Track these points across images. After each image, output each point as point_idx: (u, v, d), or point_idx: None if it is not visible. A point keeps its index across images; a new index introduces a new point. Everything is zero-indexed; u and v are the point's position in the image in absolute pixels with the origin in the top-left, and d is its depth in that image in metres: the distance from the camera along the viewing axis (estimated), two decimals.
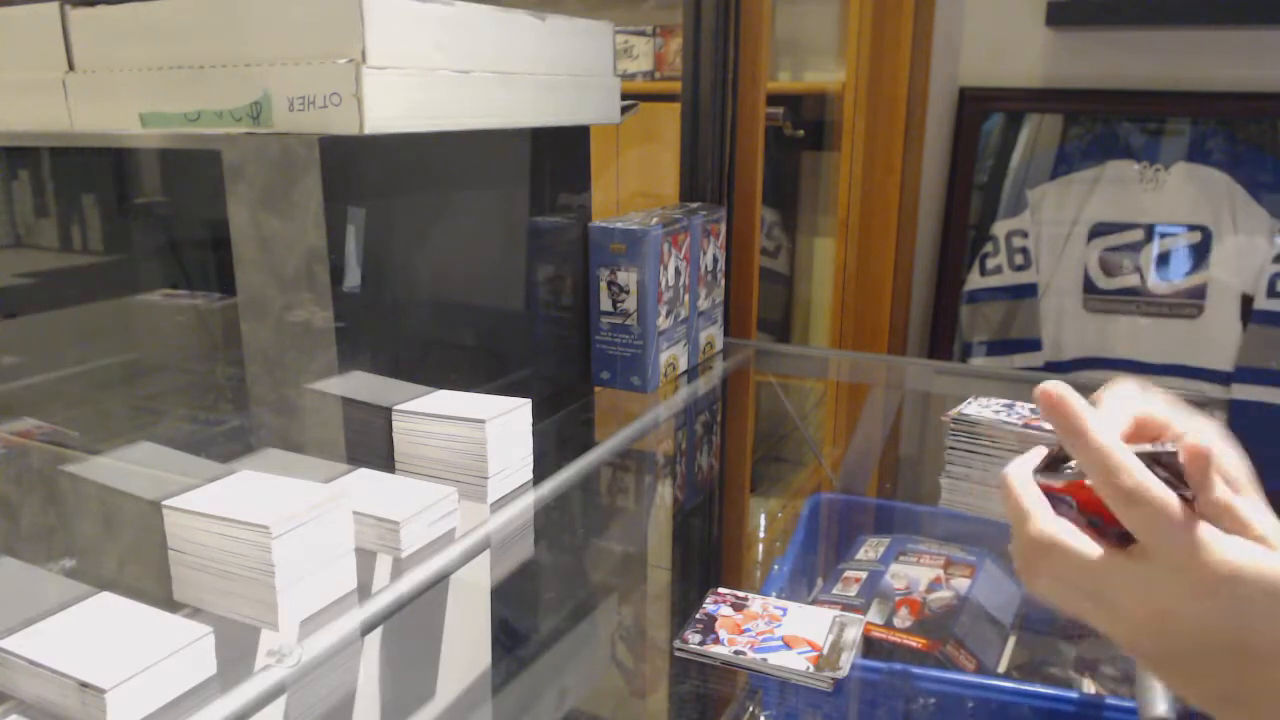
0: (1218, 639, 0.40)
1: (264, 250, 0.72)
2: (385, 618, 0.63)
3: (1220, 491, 0.41)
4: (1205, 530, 0.40)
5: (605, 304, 1.06)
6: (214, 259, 0.80)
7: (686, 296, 1.14)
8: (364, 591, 0.64)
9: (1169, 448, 0.42)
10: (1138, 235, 1.73)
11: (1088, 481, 0.43)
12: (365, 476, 0.73)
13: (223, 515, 0.58)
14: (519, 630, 0.75)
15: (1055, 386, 0.43)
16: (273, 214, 0.71)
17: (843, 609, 0.76)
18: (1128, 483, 0.40)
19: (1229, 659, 0.40)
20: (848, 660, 0.66)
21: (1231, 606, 0.39)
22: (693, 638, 0.69)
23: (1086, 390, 0.44)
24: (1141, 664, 0.44)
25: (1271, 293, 1.64)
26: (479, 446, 0.75)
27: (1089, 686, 0.81)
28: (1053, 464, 0.46)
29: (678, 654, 0.68)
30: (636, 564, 0.93)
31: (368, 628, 0.62)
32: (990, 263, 1.82)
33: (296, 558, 0.58)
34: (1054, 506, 0.44)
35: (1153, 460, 0.41)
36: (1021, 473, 0.46)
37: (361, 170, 0.74)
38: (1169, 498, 0.40)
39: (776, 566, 0.93)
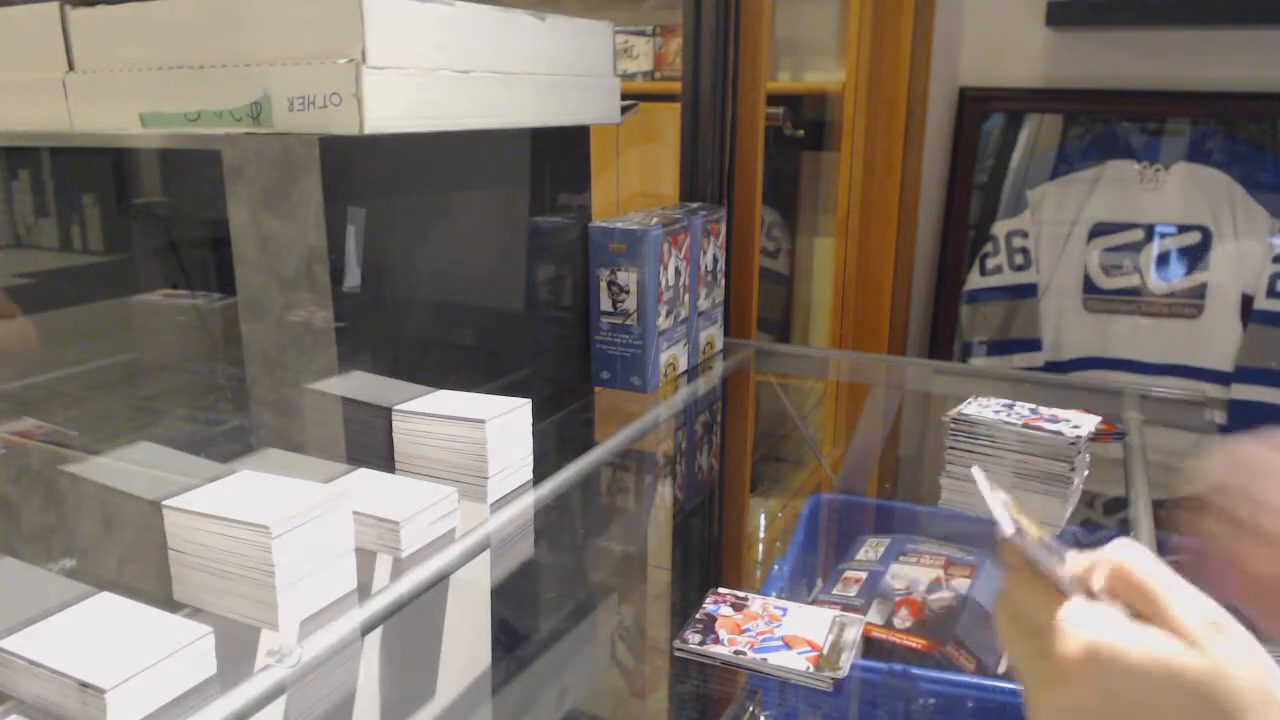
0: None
1: (264, 250, 0.72)
2: (385, 618, 0.63)
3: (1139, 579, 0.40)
4: (1063, 611, 0.40)
5: (605, 304, 1.06)
6: (214, 259, 0.80)
7: (686, 296, 1.14)
8: (364, 591, 0.64)
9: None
10: (1138, 235, 1.73)
11: None
12: (365, 476, 0.73)
13: (223, 515, 0.58)
14: (519, 630, 0.75)
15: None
16: (273, 214, 0.71)
17: (843, 609, 0.76)
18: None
19: None
20: (848, 660, 0.66)
21: (1091, 689, 0.38)
22: (693, 638, 0.69)
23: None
24: None
25: (1271, 293, 1.64)
26: (479, 446, 0.75)
27: None
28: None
29: (678, 654, 0.68)
30: (636, 564, 0.93)
31: (368, 628, 0.62)
32: (990, 263, 1.82)
33: (296, 558, 0.58)
34: None
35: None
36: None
37: (361, 170, 0.74)
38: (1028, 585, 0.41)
39: (776, 566, 0.93)
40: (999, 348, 1.84)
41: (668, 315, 1.09)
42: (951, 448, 0.94)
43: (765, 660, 0.66)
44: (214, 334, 0.82)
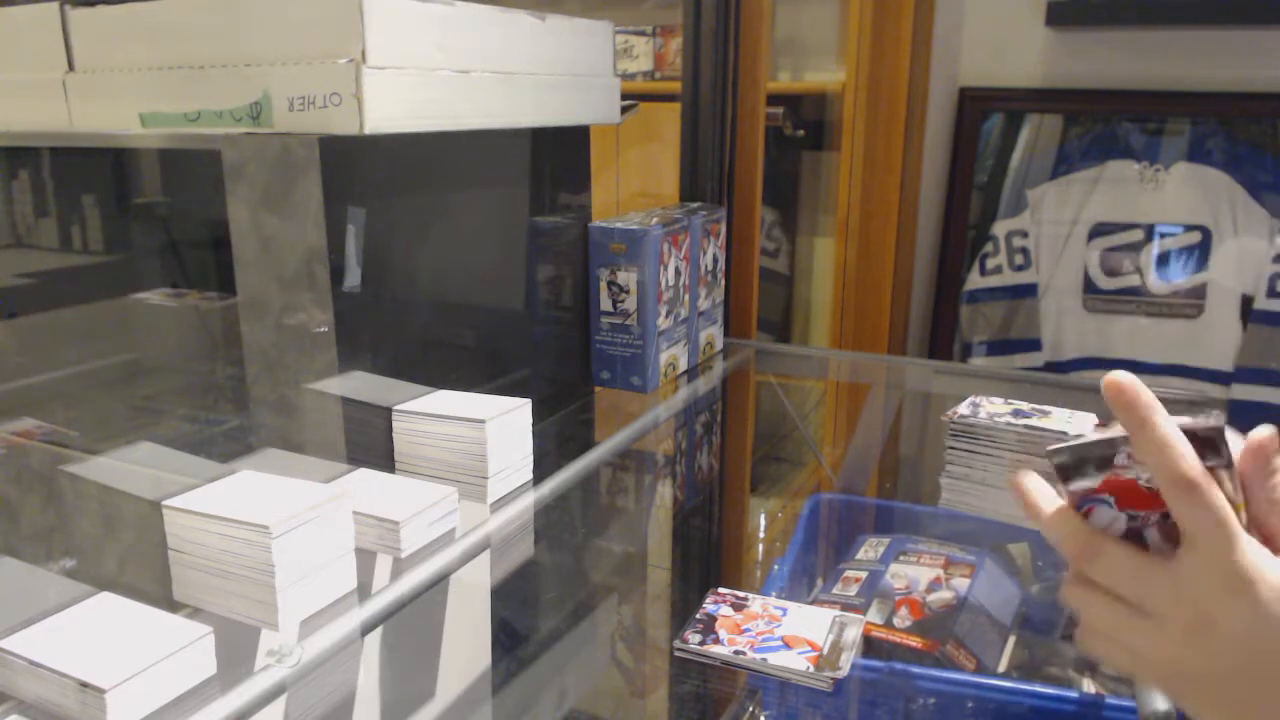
0: (1261, 652, 0.40)
1: (264, 250, 0.72)
2: (385, 618, 0.63)
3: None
4: (1246, 536, 0.41)
5: (605, 304, 1.06)
6: (214, 259, 0.80)
7: (686, 296, 1.14)
8: (364, 591, 0.64)
9: (1211, 423, 0.43)
10: (1138, 235, 1.73)
11: (1121, 474, 0.44)
12: (365, 476, 0.73)
13: (223, 515, 0.58)
14: (519, 630, 0.75)
15: (1123, 376, 0.44)
16: (273, 214, 0.71)
17: (843, 609, 0.76)
18: (1188, 472, 0.41)
19: (1274, 679, 0.40)
20: (848, 660, 0.66)
21: (1268, 611, 0.39)
22: (693, 638, 0.69)
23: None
24: (1189, 706, 0.44)
25: (1271, 293, 1.63)
26: (479, 446, 0.75)
27: (1089, 686, 0.81)
28: (1075, 467, 0.46)
29: (678, 654, 0.68)
30: (636, 564, 0.93)
31: (368, 628, 0.62)
32: (990, 263, 1.82)
33: (296, 558, 0.58)
34: (1094, 508, 0.45)
35: (1191, 435, 0.42)
36: (1045, 492, 0.47)
37: (361, 170, 0.74)
38: (1220, 494, 0.41)
39: (776, 566, 0.93)
40: (999, 348, 1.84)
41: (668, 315, 1.09)
42: (951, 448, 0.94)
43: (765, 660, 0.66)
44: (214, 334, 0.82)
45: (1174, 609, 0.42)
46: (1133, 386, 0.43)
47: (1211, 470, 0.42)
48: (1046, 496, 0.47)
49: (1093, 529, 0.45)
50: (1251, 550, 0.40)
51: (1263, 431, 0.44)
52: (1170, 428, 0.42)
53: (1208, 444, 0.42)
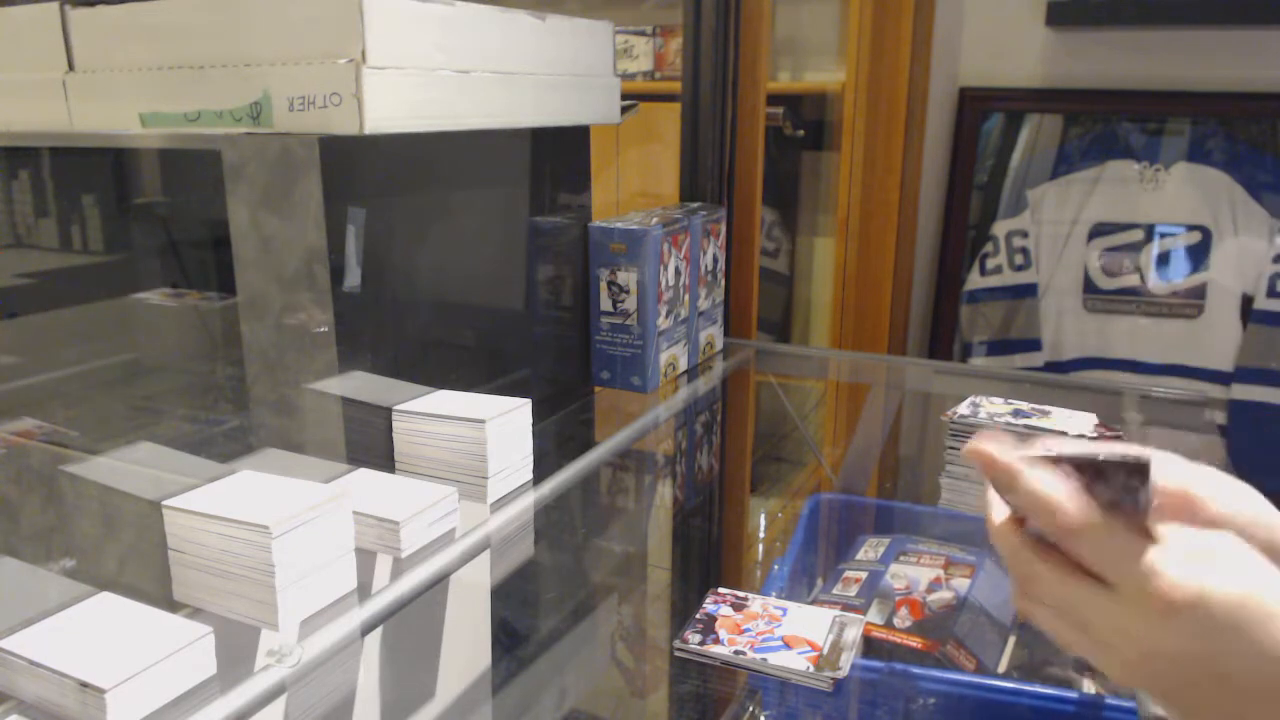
0: (1197, 671, 0.39)
1: (264, 250, 0.72)
2: (385, 618, 0.63)
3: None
4: (1159, 554, 0.39)
5: (605, 304, 1.06)
6: (214, 259, 0.80)
7: (686, 296, 1.14)
8: (364, 591, 0.64)
9: (1110, 455, 0.40)
10: (1138, 235, 1.73)
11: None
12: (365, 476, 0.73)
13: (223, 515, 0.58)
14: (519, 630, 0.75)
15: (979, 445, 0.43)
16: (273, 214, 0.71)
17: (843, 609, 0.76)
18: (1068, 523, 0.40)
19: (1215, 692, 0.39)
20: (848, 660, 0.66)
21: (1198, 631, 0.38)
22: (693, 638, 0.69)
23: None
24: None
25: (1271, 293, 1.63)
26: (479, 446, 0.75)
27: (1089, 686, 0.81)
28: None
29: (678, 654, 0.68)
30: (636, 564, 0.93)
31: (368, 628, 0.62)
32: (990, 263, 1.82)
33: (296, 558, 0.58)
34: (1029, 518, 0.44)
35: (1096, 473, 0.40)
36: (1000, 515, 0.46)
37: (361, 170, 0.74)
38: (1111, 528, 0.40)
39: (776, 566, 0.93)
40: (999, 348, 1.84)
41: (668, 315, 1.09)
42: (951, 448, 0.94)
43: (765, 660, 0.66)
44: (214, 334, 0.82)
45: (1115, 639, 0.41)
46: (988, 452, 0.42)
47: (1115, 507, 0.40)
48: (997, 507, 0.45)
49: (1031, 550, 0.43)
50: (1177, 572, 0.39)
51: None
52: (1036, 481, 0.41)
53: (1108, 478, 0.40)
